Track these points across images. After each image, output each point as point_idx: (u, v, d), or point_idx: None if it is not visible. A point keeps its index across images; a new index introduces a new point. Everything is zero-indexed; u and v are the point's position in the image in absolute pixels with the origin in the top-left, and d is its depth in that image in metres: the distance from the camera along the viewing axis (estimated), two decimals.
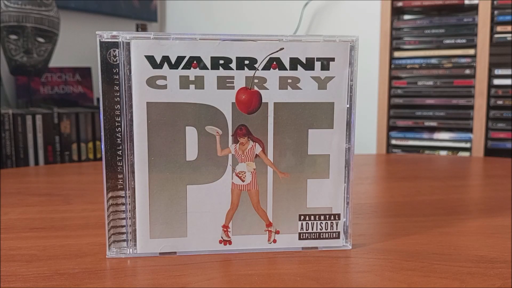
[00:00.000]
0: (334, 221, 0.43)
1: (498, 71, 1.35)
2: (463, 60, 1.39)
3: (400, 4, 1.45)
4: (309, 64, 0.41)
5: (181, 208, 0.41)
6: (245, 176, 0.42)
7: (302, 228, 0.43)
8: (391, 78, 1.48)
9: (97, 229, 0.49)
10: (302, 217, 0.43)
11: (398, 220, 0.53)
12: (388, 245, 0.45)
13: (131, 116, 0.40)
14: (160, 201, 0.41)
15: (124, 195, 0.41)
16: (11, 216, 0.54)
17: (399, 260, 0.41)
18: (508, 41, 1.34)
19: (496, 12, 1.34)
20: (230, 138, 0.41)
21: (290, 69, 0.41)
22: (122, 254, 0.41)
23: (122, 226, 0.41)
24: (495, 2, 1.34)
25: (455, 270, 0.39)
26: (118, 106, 0.40)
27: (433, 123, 1.44)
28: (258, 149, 0.41)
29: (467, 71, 1.39)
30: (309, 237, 0.43)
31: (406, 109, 1.47)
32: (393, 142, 1.49)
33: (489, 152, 1.39)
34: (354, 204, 0.59)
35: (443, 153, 1.44)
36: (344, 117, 0.42)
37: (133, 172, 0.41)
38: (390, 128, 1.50)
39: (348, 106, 0.42)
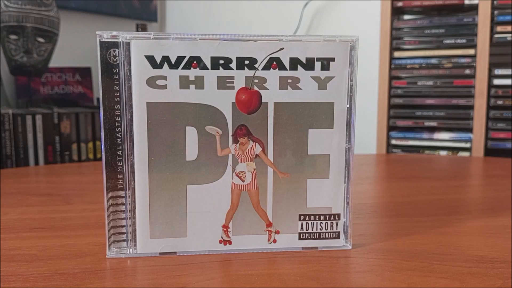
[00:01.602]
0: (334, 221, 0.43)
1: (498, 71, 1.35)
2: (463, 60, 1.39)
3: (400, 4, 1.45)
4: (309, 64, 0.41)
5: (181, 208, 0.41)
6: (245, 176, 0.42)
7: (302, 228, 0.43)
8: (391, 78, 1.48)
9: (97, 229, 0.49)
10: (302, 217, 0.43)
11: (398, 220, 0.53)
12: (388, 245, 0.45)
13: (131, 116, 0.40)
14: (160, 201, 0.41)
15: (124, 195, 0.41)
16: (11, 216, 0.54)
17: (399, 260, 0.41)
18: (508, 41, 1.34)
19: (496, 12, 1.34)
20: (230, 138, 0.41)
21: (290, 69, 0.41)
22: (122, 254, 0.41)
23: (122, 226, 0.41)
24: (495, 2, 1.34)
25: (455, 270, 0.39)
26: (118, 106, 0.40)
27: (433, 123, 1.44)
28: (258, 149, 0.41)
29: (467, 71, 1.39)
30: (309, 237, 0.43)
31: (406, 109, 1.47)
32: (393, 142, 1.49)
33: (489, 152, 1.39)
34: (354, 204, 0.59)
35: (443, 153, 1.44)
36: (344, 117, 0.42)
37: (133, 172, 0.41)
38: (390, 128, 1.50)
39: (348, 106, 0.42)
